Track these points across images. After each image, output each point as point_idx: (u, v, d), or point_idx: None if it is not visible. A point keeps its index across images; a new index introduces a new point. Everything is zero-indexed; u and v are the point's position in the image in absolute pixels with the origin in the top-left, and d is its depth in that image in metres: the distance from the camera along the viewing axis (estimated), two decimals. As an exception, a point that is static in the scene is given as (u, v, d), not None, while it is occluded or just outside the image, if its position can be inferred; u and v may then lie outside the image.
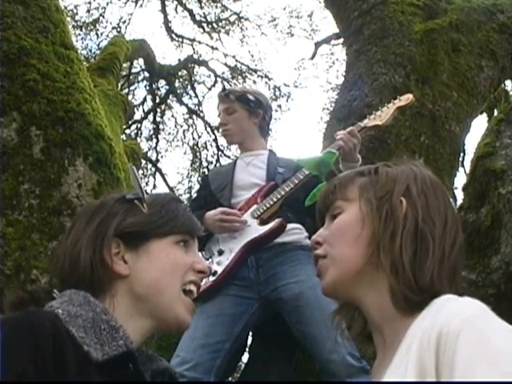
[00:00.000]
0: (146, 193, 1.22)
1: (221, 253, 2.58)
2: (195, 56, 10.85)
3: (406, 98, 2.78)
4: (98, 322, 1.02)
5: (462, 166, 6.76)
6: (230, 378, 2.95)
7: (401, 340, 0.89)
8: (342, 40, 6.49)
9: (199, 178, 10.74)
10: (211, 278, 2.51)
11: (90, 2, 10.43)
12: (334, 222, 1.07)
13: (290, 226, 2.59)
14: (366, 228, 1.01)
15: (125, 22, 10.64)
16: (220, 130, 3.09)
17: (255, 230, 2.57)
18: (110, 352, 1.00)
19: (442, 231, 0.99)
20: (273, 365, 2.67)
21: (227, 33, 11.22)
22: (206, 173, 4.78)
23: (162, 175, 10.72)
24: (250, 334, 2.76)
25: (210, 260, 2.59)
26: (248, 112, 2.87)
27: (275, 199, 2.60)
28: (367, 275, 1.00)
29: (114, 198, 1.21)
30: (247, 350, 2.81)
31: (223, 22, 11.23)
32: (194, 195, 3.74)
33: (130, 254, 1.14)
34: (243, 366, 2.97)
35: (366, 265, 1.00)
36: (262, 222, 2.58)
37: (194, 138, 11.16)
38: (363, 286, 1.01)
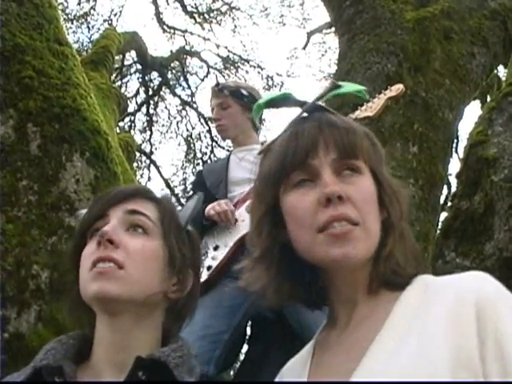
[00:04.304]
0: None
1: (216, 248, 2.60)
2: (187, 47, 10.85)
3: (397, 89, 2.79)
4: None
5: (456, 152, 6.80)
6: (230, 369, 2.97)
7: (380, 316, 0.88)
8: (334, 29, 6.49)
9: (194, 170, 10.74)
10: (206, 273, 2.53)
11: (80, -5, 10.39)
12: (356, 181, 0.93)
13: (283, 218, 2.60)
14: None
15: (116, 14, 10.66)
16: (214, 125, 3.10)
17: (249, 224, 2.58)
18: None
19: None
20: (272, 355, 2.69)
21: (219, 23, 11.20)
22: (200, 168, 4.85)
23: (157, 167, 10.73)
24: (249, 325, 2.78)
25: (206, 255, 2.61)
26: (242, 107, 2.89)
27: (269, 194, 2.60)
28: None
29: None
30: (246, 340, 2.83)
31: (215, 12, 11.20)
32: (191, 192, 3.75)
33: None
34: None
35: None
36: (256, 217, 2.59)
37: (187, 130, 11.17)
38: None
